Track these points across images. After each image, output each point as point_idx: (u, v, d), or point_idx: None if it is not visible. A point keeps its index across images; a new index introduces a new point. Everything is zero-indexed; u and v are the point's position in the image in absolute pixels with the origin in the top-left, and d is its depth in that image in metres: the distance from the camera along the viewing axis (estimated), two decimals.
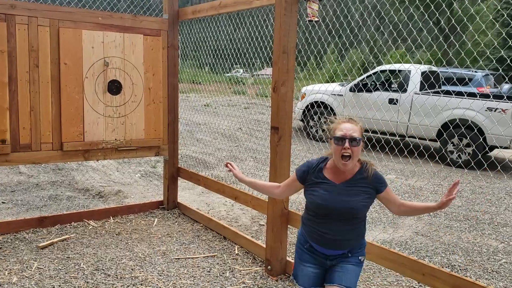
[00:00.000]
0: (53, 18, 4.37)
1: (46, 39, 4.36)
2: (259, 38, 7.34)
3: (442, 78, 10.80)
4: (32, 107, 4.35)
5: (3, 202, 5.50)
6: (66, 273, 3.64)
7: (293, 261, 3.75)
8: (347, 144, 2.26)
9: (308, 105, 11.15)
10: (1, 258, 3.90)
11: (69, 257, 3.97)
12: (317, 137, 10.94)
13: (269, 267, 3.75)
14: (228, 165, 2.78)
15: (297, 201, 6.04)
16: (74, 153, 4.65)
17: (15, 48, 4.21)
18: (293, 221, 3.67)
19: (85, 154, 4.72)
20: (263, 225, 5.12)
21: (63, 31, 4.42)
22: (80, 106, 4.60)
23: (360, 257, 2.43)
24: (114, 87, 4.80)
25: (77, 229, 4.70)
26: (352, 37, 5.07)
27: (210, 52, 9.50)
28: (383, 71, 10.53)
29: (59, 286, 3.42)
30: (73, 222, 4.88)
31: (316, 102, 11.01)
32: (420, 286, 3.71)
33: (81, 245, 4.28)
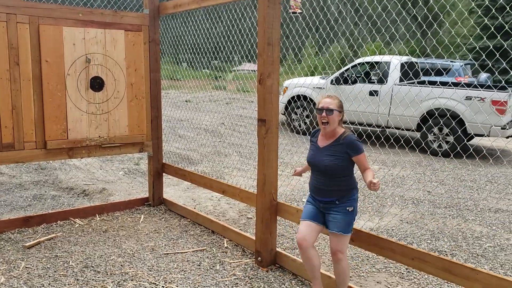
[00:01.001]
0: (33, 15, 4.31)
1: (26, 37, 4.30)
2: (238, 33, 7.33)
3: (420, 70, 10.96)
4: (14, 105, 4.29)
5: None
6: (55, 272, 3.61)
7: (283, 251, 3.79)
8: (324, 114, 2.98)
9: (290, 99, 11.19)
10: None
11: (57, 256, 3.93)
12: (300, 131, 11.00)
13: (259, 258, 3.78)
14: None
15: (284, 194, 6.09)
16: (58, 151, 4.61)
17: None
18: (282, 212, 3.71)
19: (69, 152, 4.68)
20: (251, 218, 5.15)
21: (44, 28, 4.37)
22: (63, 104, 4.56)
23: (347, 208, 2.98)
24: (97, 84, 4.76)
25: (64, 228, 4.66)
26: (330, 31, 5.10)
27: (189, 48, 9.47)
28: (363, 64, 10.64)
29: (49, 284, 3.40)
30: (59, 221, 4.84)
31: (298, 95, 11.07)
32: (408, 271, 3.79)
33: (69, 243, 4.24)
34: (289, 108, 11.27)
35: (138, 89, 5.03)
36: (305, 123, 11.02)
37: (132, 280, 3.51)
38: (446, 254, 4.23)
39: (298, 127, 11.10)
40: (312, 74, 14.69)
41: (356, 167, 3.05)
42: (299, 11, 3.39)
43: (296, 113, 11.19)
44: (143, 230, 4.67)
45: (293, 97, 11.16)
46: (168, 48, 9.33)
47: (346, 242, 3.00)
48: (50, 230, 4.60)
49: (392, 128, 9.64)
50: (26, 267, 3.69)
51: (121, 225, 4.81)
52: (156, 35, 5.15)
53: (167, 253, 4.06)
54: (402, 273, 3.77)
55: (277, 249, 3.84)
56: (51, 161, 7.39)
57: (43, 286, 3.37)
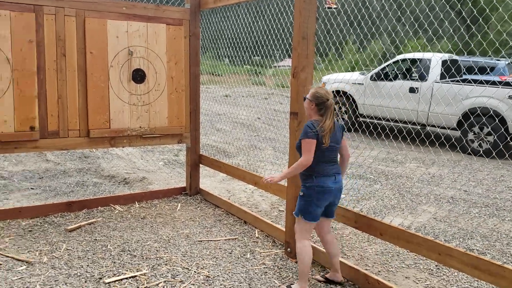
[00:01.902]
0: (79, 8, 4.48)
1: (72, 29, 4.49)
2: (279, 28, 7.32)
3: (463, 67, 10.66)
4: (59, 95, 4.49)
5: (32, 188, 5.68)
6: (93, 254, 3.77)
7: (312, 244, 3.81)
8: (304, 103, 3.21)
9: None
10: (32, 240, 4.06)
11: (96, 239, 4.10)
12: None
13: (288, 249, 3.82)
14: (264, 181, 3.30)
15: None
16: (101, 140, 4.79)
17: (43, 38, 4.35)
18: None
19: (111, 141, 4.85)
20: (283, 211, 5.19)
21: (89, 21, 4.54)
22: (105, 95, 4.73)
23: (300, 192, 3.17)
24: (138, 76, 4.91)
25: (104, 214, 4.84)
26: (372, 26, 5.04)
27: (230, 44, 9.55)
28: (404, 60, 10.44)
29: (87, 265, 3.56)
30: (99, 207, 5.03)
31: (336, 91, 10.99)
32: (438, 268, 3.74)
33: (108, 228, 4.41)
34: None
35: (178, 82, 5.15)
36: (343, 119, 10.94)
37: (166, 264, 3.62)
38: (478, 253, 4.14)
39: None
40: (353, 70, 14.54)
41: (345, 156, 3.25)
42: (334, 6, 3.39)
43: (335, 110, 11.08)
44: (179, 217, 4.79)
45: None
46: (210, 43, 9.45)
47: (299, 225, 3.19)
48: (91, 215, 4.79)
49: (432, 125, 9.43)
50: (67, 249, 3.87)
51: (159, 212, 4.95)
52: (196, 29, 5.25)
53: (201, 240, 4.16)
54: (431, 270, 3.72)
55: None
56: (94, 150, 7.67)
57: (82, 267, 3.53)
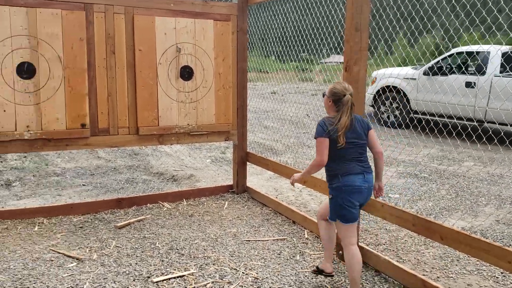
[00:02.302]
0: (128, 5, 4.48)
1: (121, 27, 4.49)
2: (327, 23, 7.11)
3: None
4: (109, 92, 4.51)
5: (83, 185, 5.78)
6: (142, 252, 3.76)
7: (366, 246, 3.63)
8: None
9: (379, 90, 10.79)
10: (83, 236, 4.09)
11: (145, 237, 4.09)
12: (389, 123, 10.57)
13: (340, 252, 3.65)
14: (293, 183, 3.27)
15: None
16: (150, 137, 4.78)
17: (93, 35, 4.38)
18: (365, 206, 3.54)
19: (159, 138, 4.84)
20: None
21: (137, 18, 4.53)
22: (154, 92, 4.71)
23: (329, 195, 3.01)
24: (186, 73, 4.86)
25: (152, 211, 4.84)
26: (421, 21, 4.78)
27: (277, 40, 9.41)
28: (459, 53, 9.95)
29: (136, 264, 3.53)
30: (148, 204, 5.04)
31: (387, 86, 10.63)
32: (504, 276, 3.47)
33: (156, 225, 4.40)
34: (377, 100, 10.87)
35: (225, 78, 5.08)
36: (395, 116, 10.57)
37: (213, 264, 3.55)
38: None
39: (387, 120, 10.68)
40: (404, 65, 14.06)
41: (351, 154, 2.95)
42: None
43: (385, 105, 10.77)
44: (227, 216, 4.72)
45: (382, 88, 10.74)
46: (257, 40, 9.36)
47: (340, 229, 3.01)
48: (140, 212, 4.80)
49: (490, 121, 8.94)
50: (116, 246, 3.87)
51: (206, 210, 4.90)
52: (244, 24, 5.15)
53: (249, 240, 4.07)
54: (497, 277, 3.45)
55: (360, 244, 3.69)
56: (143, 147, 7.75)
57: (130, 265, 3.51)
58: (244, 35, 5.17)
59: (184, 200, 5.24)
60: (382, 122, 10.76)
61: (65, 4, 4.21)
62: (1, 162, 6.42)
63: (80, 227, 4.31)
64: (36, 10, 4.09)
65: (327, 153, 2.88)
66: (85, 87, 4.38)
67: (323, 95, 3.06)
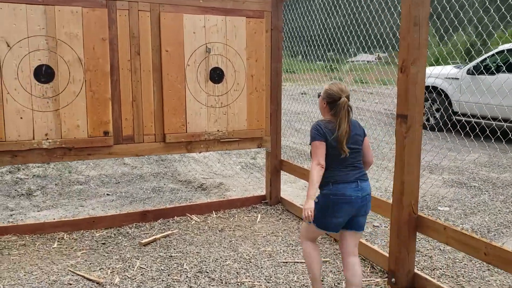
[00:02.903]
0: (154, 2, 4.13)
1: (147, 25, 4.14)
2: (353, 22, 6.68)
3: None
4: (134, 97, 4.17)
5: (107, 194, 5.47)
6: (168, 275, 3.38)
7: (421, 273, 3.18)
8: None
9: None
10: (105, 255, 3.75)
11: (171, 256, 3.72)
12: (428, 126, 9.98)
13: (393, 279, 3.20)
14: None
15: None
16: (177, 145, 4.42)
17: (116, 35, 4.04)
18: (424, 228, 3.07)
19: (187, 146, 4.47)
20: (378, 226, 4.54)
21: (164, 15, 4.18)
22: (182, 96, 4.35)
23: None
24: (216, 75, 4.49)
25: (180, 224, 4.48)
26: (454, 18, 4.36)
27: (304, 40, 9.00)
28: (510, 50, 9.27)
29: None
30: (175, 217, 4.68)
31: (427, 87, 10.02)
32: None
33: (184, 242, 4.03)
34: None
35: (258, 81, 4.68)
36: (435, 118, 9.98)
37: None
38: None
39: (426, 122, 10.08)
40: (432, 65, 13.44)
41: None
42: None
43: (424, 107, 10.17)
44: (260, 231, 4.32)
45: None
46: (285, 40, 8.94)
47: (307, 229, 2.86)
48: (167, 226, 4.44)
49: None
50: (141, 267, 3.51)
51: (237, 224, 4.52)
52: (279, 21, 4.74)
53: (286, 262, 3.65)
54: None
55: (416, 270, 3.22)
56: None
57: None
58: (278, 33, 4.76)
59: (213, 212, 4.86)
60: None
61: (86, 1, 3.88)
62: (24, 169, 6.18)
63: (103, 244, 3.98)
64: (55, 8, 3.77)
65: (324, 157, 2.65)
66: (108, 92, 4.04)
67: (318, 96, 2.85)
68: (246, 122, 4.69)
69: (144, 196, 5.44)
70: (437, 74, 9.72)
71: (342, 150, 2.63)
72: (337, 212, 2.67)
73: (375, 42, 6.48)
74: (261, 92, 4.72)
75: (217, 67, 4.46)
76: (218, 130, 4.56)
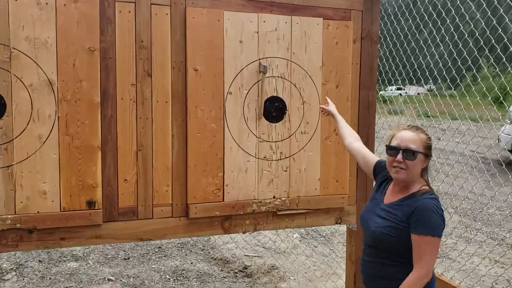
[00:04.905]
0: None
1: (164, 28, 2.66)
2: (401, 53, 5.97)
3: None
4: (140, 144, 2.65)
5: (109, 279, 3.93)
6: None
7: None
8: (399, 157, 2.02)
9: None
10: None
11: None
12: None
13: None
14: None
15: None
16: (207, 222, 2.85)
17: (113, 43, 2.56)
18: None
19: (224, 223, 2.90)
20: None
21: (193, 13, 2.68)
22: (219, 142, 2.81)
23: None
24: (274, 110, 2.94)
25: None
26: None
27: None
28: None
29: None
30: None
31: None
32: None
33: None
34: None
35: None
36: None
37: None
38: None
39: None
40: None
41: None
42: None
43: None
44: None
45: None
46: None
47: None
48: None
49: None
50: None
51: None
52: (374, 27, 3.16)
53: None
54: None
55: None
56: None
57: None
58: (373, 44, 3.17)
59: None
60: None
61: None
62: None
63: None
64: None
65: None
66: (97, 136, 2.55)
67: (413, 154, 2.01)
68: (319, 184, 3.08)
69: (160, 283, 3.86)
70: None
71: None
72: None
73: (419, 73, 6.30)
74: None
75: (276, 97, 2.91)
76: (274, 197, 2.97)
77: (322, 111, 2.82)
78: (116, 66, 2.57)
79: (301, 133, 3.01)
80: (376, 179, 2.31)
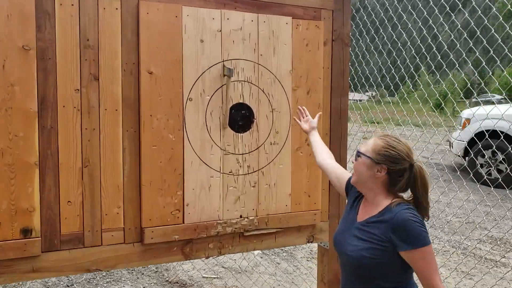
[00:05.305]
0: None
1: (114, 25, 2.31)
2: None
3: None
4: (85, 159, 2.28)
5: None
6: None
7: None
8: (353, 158, 2.01)
9: (474, 136, 8.44)
10: None
11: None
12: (490, 182, 8.14)
13: None
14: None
15: None
16: (165, 247, 2.51)
17: (52, 42, 2.19)
18: None
19: (184, 248, 2.56)
20: None
21: (147, 8, 2.35)
22: (178, 155, 2.48)
23: None
24: (240, 118, 2.64)
25: None
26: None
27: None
28: None
29: None
30: None
31: (487, 131, 8.27)
32: None
33: None
34: (473, 149, 8.51)
35: None
36: (499, 171, 8.21)
37: None
38: None
39: (486, 177, 8.25)
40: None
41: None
42: None
43: (484, 156, 8.43)
44: None
45: (479, 134, 8.40)
46: None
47: None
48: None
49: None
50: None
51: None
52: (345, 28, 2.93)
53: None
54: None
55: None
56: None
57: None
58: (345, 47, 2.94)
59: None
60: (479, 180, 8.33)
61: None
62: None
63: None
64: None
65: None
66: (34, 151, 2.16)
67: (359, 155, 1.93)
68: (289, 200, 2.81)
69: None
70: (499, 115, 7.98)
71: None
72: None
73: (363, 80, 6.38)
74: None
75: (243, 104, 2.62)
76: (241, 216, 2.67)
77: (305, 131, 2.55)
78: (57, 69, 2.20)
79: (270, 144, 2.73)
80: (348, 196, 2.16)
